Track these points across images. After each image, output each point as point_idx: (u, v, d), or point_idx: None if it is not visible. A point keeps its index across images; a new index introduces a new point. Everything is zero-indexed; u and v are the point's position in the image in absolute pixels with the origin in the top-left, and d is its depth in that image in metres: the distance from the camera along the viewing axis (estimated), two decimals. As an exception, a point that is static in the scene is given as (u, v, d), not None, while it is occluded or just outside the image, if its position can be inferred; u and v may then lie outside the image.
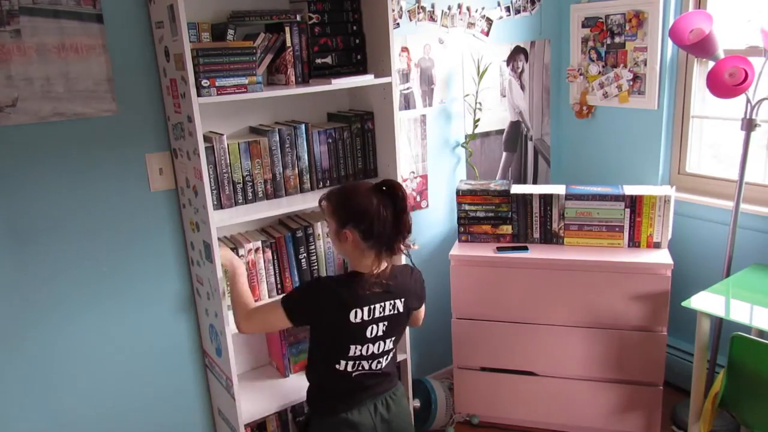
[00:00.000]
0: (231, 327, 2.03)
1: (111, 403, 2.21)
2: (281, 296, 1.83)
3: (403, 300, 1.83)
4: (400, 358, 2.48)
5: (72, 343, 2.10)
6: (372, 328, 1.77)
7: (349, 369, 1.80)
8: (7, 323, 1.99)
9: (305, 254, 2.28)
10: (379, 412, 1.86)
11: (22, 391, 2.04)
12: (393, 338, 1.85)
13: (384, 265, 1.79)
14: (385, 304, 1.79)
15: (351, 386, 1.83)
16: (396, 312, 1.82)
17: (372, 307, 1.76)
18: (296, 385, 2.31)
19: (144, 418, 2.28)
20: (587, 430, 2.62)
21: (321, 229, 2.30)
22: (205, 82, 1.88)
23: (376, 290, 1.76)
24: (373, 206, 1.72)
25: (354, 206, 1.75)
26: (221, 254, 1.98)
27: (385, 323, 1.80)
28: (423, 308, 2.03)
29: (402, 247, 1.79)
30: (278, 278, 2.26)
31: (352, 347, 1.77)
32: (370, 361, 1.81)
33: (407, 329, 2.30)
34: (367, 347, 1.79)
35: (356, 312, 1.74)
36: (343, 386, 1.83)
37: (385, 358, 1.85)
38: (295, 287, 1.80)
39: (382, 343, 1.81)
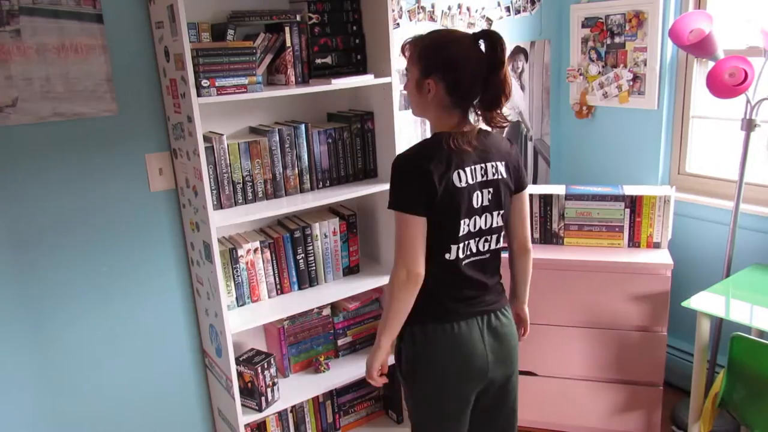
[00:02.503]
0: (231, 327, 2.03)
1: (111, 402, 2.21)
2: (390, 207, 1.55)
3: (504, 164, 1.61)
4: (400, 358, 2.48)
5: (71, 343, 2.10)
6: (477, 195, 1.56)
7: (460, 255, 1.58)
8: (7, 323, 1.99)
9: (303, 255, 2.28)
10: (486, 324, 1.63)
11: (23, 391, 2.04)
12: (501, 212, 1.63)
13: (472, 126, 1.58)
14: (486, 166, 1.58)
15: (459, 286, 1.60)
16: (500, 176, 1.60)
17: (473, 168, 1.55)
18: (296, 385, 2.31)
19: (144, 417, 2.29)
20: (587, 430, 2.62)
21: (319, 229, 2.30)
22: (205, 82, 1.88)
23: (467, 148, 1.54)
24: (467, 55, 1.50)
25: (444, 52, 1.52)
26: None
27: (490, 190, 1.59)
28: (527, 204, 1.75)
29: (498, 117, 1.56)
30: (277, 278, 2.26)
31: (462, 223, 1.55)
32: (477, 240, 1.60)
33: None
34: (474, 221, 1.58)
35: (459, 174, 1.53)
36: (452, 286, 1.60)
37: (494, 237, 1.64)
38: (390, 184, 1.55)
39: (489, 216, 1.60)
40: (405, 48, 1.62)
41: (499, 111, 1.56)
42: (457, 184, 1.53)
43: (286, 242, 2.25)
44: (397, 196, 1.54)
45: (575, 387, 2.57)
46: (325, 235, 2.32)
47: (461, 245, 1.58)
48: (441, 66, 1.52)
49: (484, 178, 1.58)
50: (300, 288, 2.32)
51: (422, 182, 1.50)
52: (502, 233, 1.67)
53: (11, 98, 1.87)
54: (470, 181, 1.55)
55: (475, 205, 1.57)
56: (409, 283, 1.53)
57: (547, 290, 2.49)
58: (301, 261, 2.29)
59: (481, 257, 1.63)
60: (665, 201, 2.45)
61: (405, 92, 1.64)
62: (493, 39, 1.51)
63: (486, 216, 1.60)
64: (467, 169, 1.54)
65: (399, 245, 1.54)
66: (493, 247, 1.65)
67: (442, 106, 1.56)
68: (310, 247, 2.30)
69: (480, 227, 1.60)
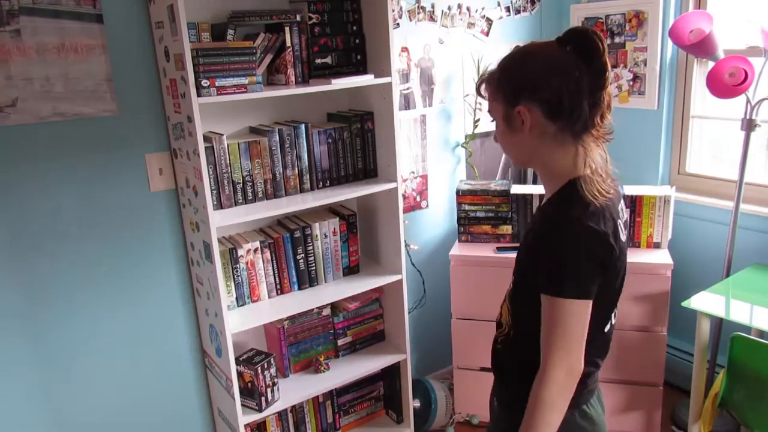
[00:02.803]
0: (231, 327, 2.03)
1: (111, 403, 2.21)
2: (555, 294, 1.16)
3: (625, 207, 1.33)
4: (399, 358, 2.49)
5: (71, 343, 2.10)
6: (620, 246, 1.23)
7: (611, 326, 1.31)
8: (6, 323, 1.99)
9: (303, 255, 2.28)
10: (600, 403, 1.39)
11: (22, 391, 2.04)
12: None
13: (598, 155, 1.21)
14: (622, 209, 1.28)
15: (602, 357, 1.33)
16: (625, 220, 1.31)
17: (617, 220, 1.22)
18: (296, 385, 2.31)
19: (144, 417, 2.28)
20: (587, 430, 2.62)
21: (319, 229, 2.30)
22: (205, 82, 1.88)
23: (610, 193, 1.20)
24: (557, 63, 1.17)
25: (527, 69, 1.20)
26: None
27: (624, 234, 1.27)
28: None
29: (601, 131, 1.20)
30: (277, 278, 2.26)
31: (620, 277, 1.27)
32: (616, 307, 1.33)
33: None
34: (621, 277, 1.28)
35: (619, 224, 1.22)
36: (600, 358, 1.32)
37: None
38: (556, 261, 1.16)
39: (623, 271, 1.28)
40: (480, 88, 1.30)
41: (601, 129, 1.21)
42: (614, 244, 1.18)
43: (286, 242, 2.25)
44: (573, 280, 1.15)
45: (575, 387, 2.57)
46: (325, 235, 2.32)
47: (613, 313, 1.31)
48: (528, 86, 1.18)
49: (621, 224, 1.26)
50: (300, 288, 2.32)
51: (601, 252, 1.16)
52: None
53: (11, 98, 1.87)
54: (618, 235, 1.22)
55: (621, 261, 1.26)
56: (569, 382, 1.18)
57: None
58: (301, 261, 2.29)
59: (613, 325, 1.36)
60: (665, 201, 2.45)
61: (497, 143, 1.33)
62: (587, 39, 1.16)
63: (622, 274, 1.28)
64: (619, 222, 1.23)
65: (561, 338, 1.16)
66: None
67: (548, 137, 1.20)
68: (310, 247, 2.29)
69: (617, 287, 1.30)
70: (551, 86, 1.16)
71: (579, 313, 1.16)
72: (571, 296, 1.15)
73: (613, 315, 1.31)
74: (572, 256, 1.15)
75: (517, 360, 1.32)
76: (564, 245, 1.16)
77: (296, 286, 2.31)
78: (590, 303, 1.17)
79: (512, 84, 1.21)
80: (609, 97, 1.19)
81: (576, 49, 1.17)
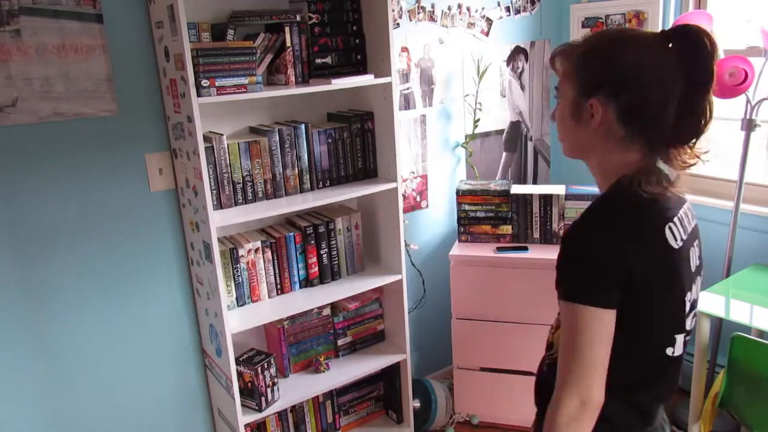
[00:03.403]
0: (231, 327, 2.03)
1: (111, 403, 2.21)
2: (564, 298, 1.12)
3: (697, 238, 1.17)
4: (398, 358, 2.49)
5: (71, 343, 2.10)
6: (691, 251, 1.12)
7: (678, 351, 1.13)
8: (6, 325, 1.99)
9: (326, 249, 2.30)
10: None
11: (22, 391, 2.04)
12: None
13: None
14: (688, 214, 1.14)
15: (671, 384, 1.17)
16: (696, 229, 1.17)
17: (680, 216, 1.11)
18: (296, 385, 2.31)
19: (144, 418, 2.28)
20: (587, 430, 2.62)
21: (341, 224, 2.32)
22: (205, 82, 1.88)
23: (665, 191, 1.08)
24: (651, 63, 1.03)
25: (614, 59, 1.04)
26: None
27: (696, 242, 1.15)
28: None
29: (690, 153, 1.12)
30: (278, 278, 2.26)
31: (687, 296, 1.11)
32: (690, 322, 1.15)
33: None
34: (689, 295, 1.12)
35: (671, 228, 1.07)
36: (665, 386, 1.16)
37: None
38: (562, 270, 1.12)
39: (695, 286, 1.15)
40: (555, 59, 1.13)
41: (692, 145, 1.11)
42: (673, 243, 1.08)
43: (288, 242, 2.25)
44: (579, 283, 1.13)
45: (575, 387, 2.56)
46: (348, 229, 2.33)
47: (683, 334, 1.16)
48: (610, 79, 1.05)
49: (690, 226, 1.16)
50: (300, 288, 2.32)
51: (626, 259, 1.06)
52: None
53: (11, 98, 1.87)
54: (683, 236, 1.12)
55: (692, 268, 1.15)
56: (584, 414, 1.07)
57: (547, 290, 2.48)
58: (325, 256, 2.29)
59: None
60: (665, 201, 2.45)
61: (552, 121, 1.19)
62: (691, 37, 1.02)
63: (694, 287, 1.17)
64: (676, 220, 1.11)
65: (574, 371, 1.09)
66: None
67: (611, 139, 1.09)
68: (333, 242, 2.30)
69: (693, 300, 1.17)
70: (635, 86, 1.03)
71: (589, 324, 1.06)
72: (575, 301, 1.06)
73: (679, 339, 1.13)
74: (571, 261, 1.09)
75: None
76: (568, 252, 1.10)
77: (297, 286, 2.31)
78: (601, 312, 1.04)
79: (589, 73, 1.07)
80: (709, 110, 1.06)
81: (681, 50, 1.03)
